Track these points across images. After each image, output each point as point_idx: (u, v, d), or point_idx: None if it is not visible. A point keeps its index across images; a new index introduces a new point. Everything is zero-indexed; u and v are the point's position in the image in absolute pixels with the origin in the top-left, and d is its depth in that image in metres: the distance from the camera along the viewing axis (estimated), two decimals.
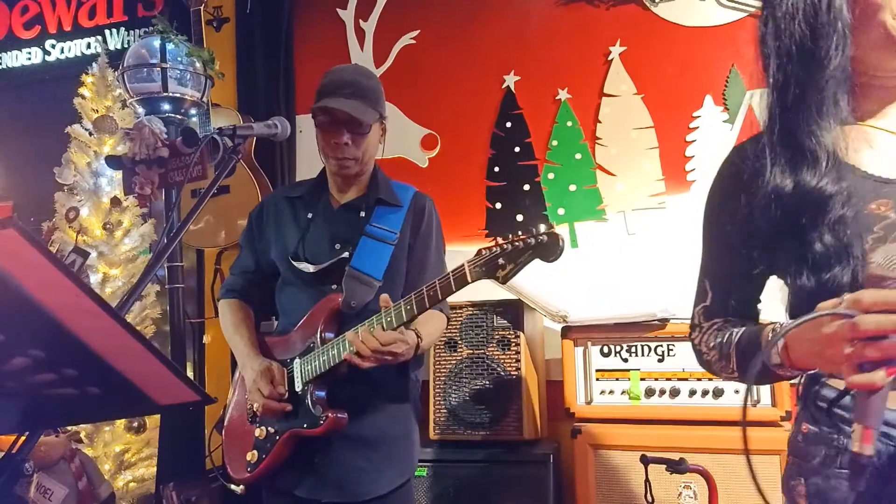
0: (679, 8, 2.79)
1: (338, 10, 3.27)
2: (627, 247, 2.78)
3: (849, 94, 0.94)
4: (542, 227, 1.38)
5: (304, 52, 3.33)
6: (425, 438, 2.48)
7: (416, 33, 3.15)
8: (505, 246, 1.42)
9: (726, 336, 1.04)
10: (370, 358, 1.55)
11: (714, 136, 2.71)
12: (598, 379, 2.37)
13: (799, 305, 0.95)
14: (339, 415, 1.65)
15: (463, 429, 2.46)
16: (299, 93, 3.29)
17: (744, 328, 1.04)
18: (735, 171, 1.04)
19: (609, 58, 2.86)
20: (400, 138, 3.07)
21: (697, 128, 2.73)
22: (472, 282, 1.47)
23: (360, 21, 3.24)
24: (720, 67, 2.71)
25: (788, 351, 0.91)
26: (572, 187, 2.88)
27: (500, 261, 1.42)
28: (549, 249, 1.38)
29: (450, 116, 3.08)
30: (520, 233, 1.40)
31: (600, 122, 2.87)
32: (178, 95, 2.88)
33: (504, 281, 1.43)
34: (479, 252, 1.46)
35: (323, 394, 1.68)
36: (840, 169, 0.93)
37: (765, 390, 2.17)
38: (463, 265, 1.47)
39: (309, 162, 3.21)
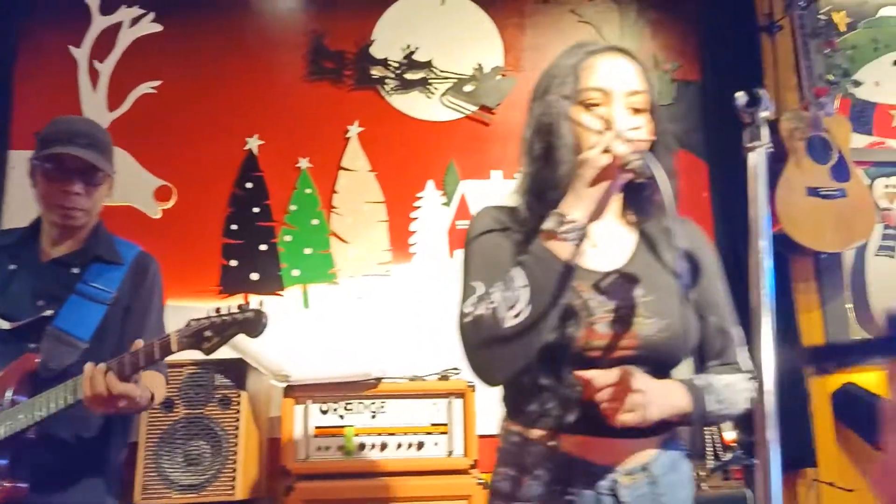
0: (409, 101, 3.15)
1: (70, 47, 3.09)
2: (355, 310, 2.98)
3: None
4: (252, 304, 1.48)
5: (26, 85, 3.06)
6: None
7: (157, 83, 3.10)
8: (214, 319, 1.48)
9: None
10: (96, 399, 1.48)
11: (433, 217, 3.07)
12: (316, 436, 2.49)
13: None
14: (18, 484, 1.55)
15: (173, 492, 2.39)
16: (16, 126, 3.01)
17: None
18: None
19: (347, 135, 3.11)
20: (131, 186, 2.96)
21: (420, 207, 3.08)
22: (177, 351, 1.50)
23: (96, 62, 3.10)
24: (441, 157, 3.10)
25: None
26: (308, 250, 3.03)
27: (207, 333, 1.47)
28: (253, 325, 1.46)
29: (188, 170, 3.05)
30: (229, 307, 1.48)
31: (337, 192, 3.08)
32: None
33: (208, 353, 1.48)
34: (188, 323, 1.50)
35: (5, 461, 1.56)
36: None
37: (458, 442, 2.47)
38: (169, 334, 1.51)
39: (21, 202, 2.93)
